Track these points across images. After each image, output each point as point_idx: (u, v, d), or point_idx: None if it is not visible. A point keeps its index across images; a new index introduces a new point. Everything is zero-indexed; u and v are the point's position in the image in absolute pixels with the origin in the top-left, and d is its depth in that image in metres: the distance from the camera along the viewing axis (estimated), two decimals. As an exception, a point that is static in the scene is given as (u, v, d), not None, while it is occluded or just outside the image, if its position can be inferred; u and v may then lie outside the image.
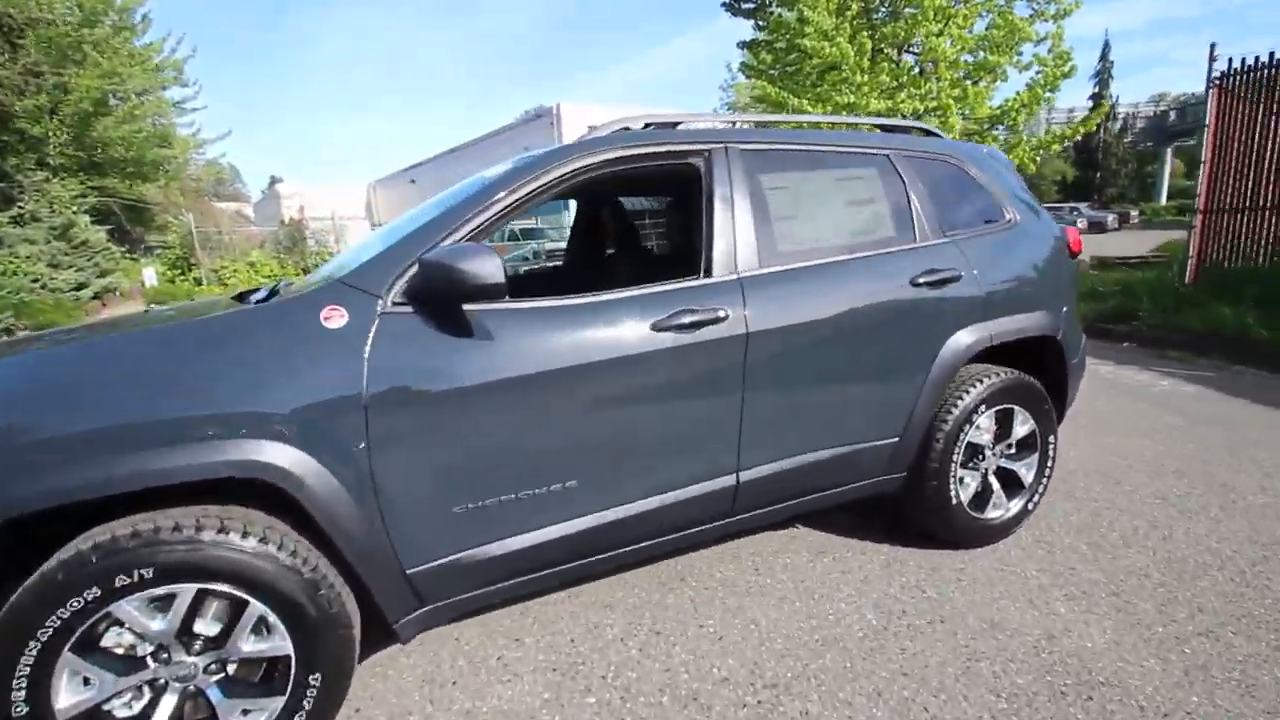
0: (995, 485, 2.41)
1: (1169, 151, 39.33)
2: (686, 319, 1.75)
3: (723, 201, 1.90)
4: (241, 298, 1.99)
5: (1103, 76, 38.73)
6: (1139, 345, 6.09)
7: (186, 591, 1.33)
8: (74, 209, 14.75)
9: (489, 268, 1.45)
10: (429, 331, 1.53)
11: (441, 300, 1.54)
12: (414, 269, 1.55)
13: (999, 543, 2.45)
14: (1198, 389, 4.53)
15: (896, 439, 2.17)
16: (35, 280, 13.48)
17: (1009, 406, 2.34)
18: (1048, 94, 11.17)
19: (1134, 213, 30.50)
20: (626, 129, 1.94)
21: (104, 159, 16.86)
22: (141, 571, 1.29)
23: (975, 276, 2.23)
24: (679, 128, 2.01)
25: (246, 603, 1.37)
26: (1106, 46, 39.21)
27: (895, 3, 11.27)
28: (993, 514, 2.40)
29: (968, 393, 2.23)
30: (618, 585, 2.26)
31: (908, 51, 11.60)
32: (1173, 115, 40.46)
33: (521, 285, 2.79)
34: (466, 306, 1.55)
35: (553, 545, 1.70)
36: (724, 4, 12.23)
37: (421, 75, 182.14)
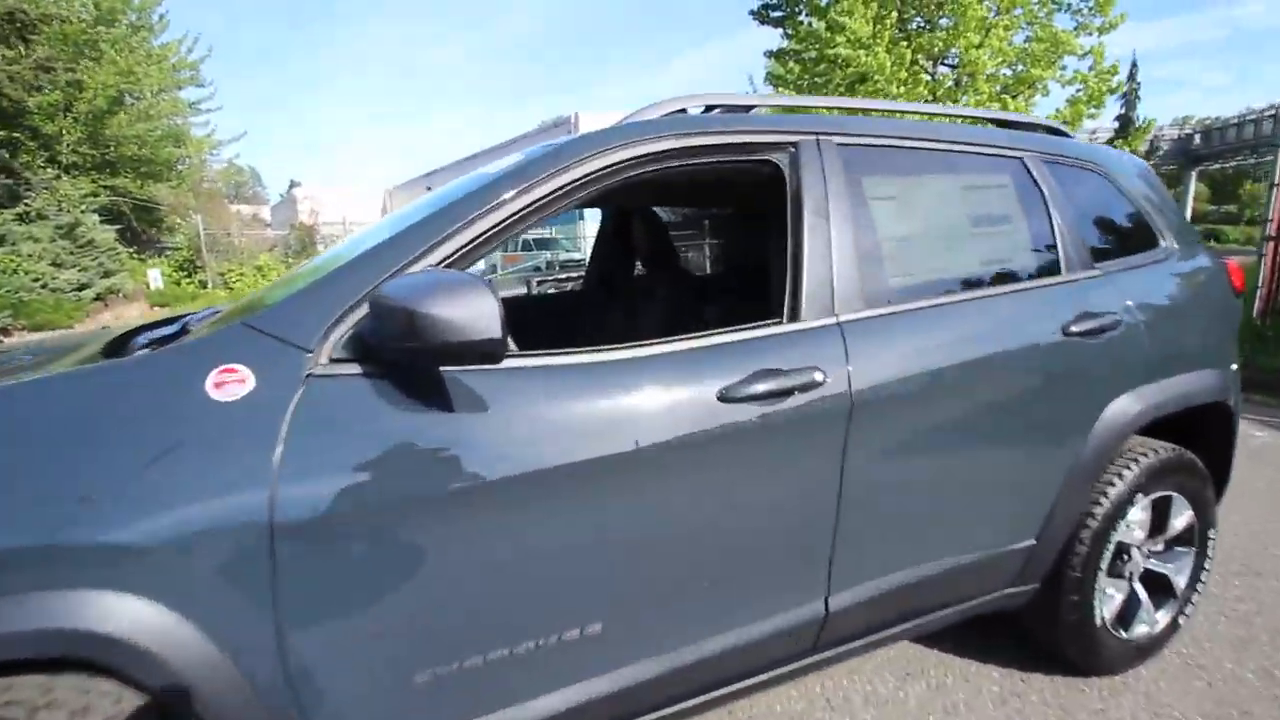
0: (1143, 595, 1.83)
1: (1193, 175, 38.35)
2: (767, 385, 1.20)
3: (815, 214, 1.35)
4: (126, 340, 1.40)
5: (1130, 98, 37.89)
6: (1216, 386, 5.46)
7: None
8: (82, 208, 14.45)
9: (476, 314, 0.91)
10: (383, 406, 0.99)
11: (405, 359, 1.00)
12: (364, 309, 1.02)
13: (1140, 666, 1.88)
14: (1304, 443, 3.94)
15: (1033, 542, 1.60)
16: (37, 279, 13.15)
17: (1167, 494, 1.77)
18: (1091, 109, 10.70)
19: (1161, 237, 29.61)
20: (683, 111, 1.41)
21: (116, 157, 16.59)
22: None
23: (1135, 323, 1.66)
24: (752, 113, 1.47)
25: None
26: (1134, 67, 38.40)
27: (931, 13, 10.84)
28: (1139, 631, 1.82)
29: (1120, 477, 1.67)
30: (646, 722, 1.69)
31: (943, 63, 11.15)
32: (1197, 139, 39.49)
33: (527, 316, 2.24)
34: (446, 368, 1.02)
35: (563, 718, 1.14)
36: (752, 12, 11.84)
37: (444, 84, 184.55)
